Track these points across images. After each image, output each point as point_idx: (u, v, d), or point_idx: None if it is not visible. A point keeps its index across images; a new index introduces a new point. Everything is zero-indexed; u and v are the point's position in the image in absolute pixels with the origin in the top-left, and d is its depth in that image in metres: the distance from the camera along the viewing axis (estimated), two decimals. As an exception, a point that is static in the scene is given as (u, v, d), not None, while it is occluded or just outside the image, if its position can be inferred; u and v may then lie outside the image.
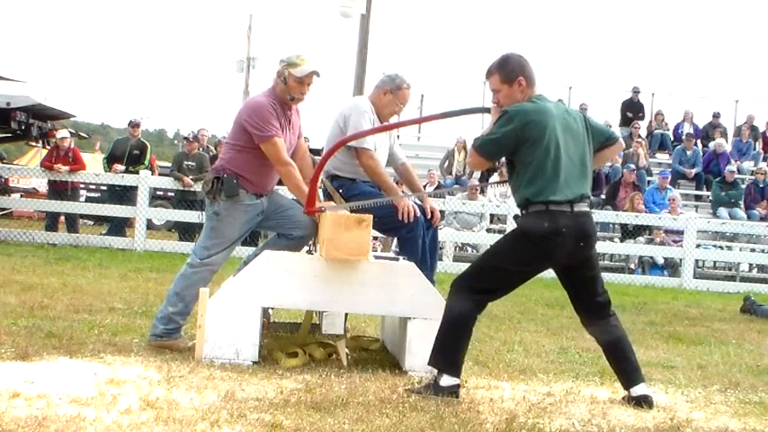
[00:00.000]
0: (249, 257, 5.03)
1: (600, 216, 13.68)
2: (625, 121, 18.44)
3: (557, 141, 4.02)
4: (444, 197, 12.57)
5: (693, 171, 16.53)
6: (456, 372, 4.04)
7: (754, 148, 17.94)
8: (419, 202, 5.49)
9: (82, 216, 14.09)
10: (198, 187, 12.20)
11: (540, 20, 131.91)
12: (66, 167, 12.39)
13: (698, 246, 13.10)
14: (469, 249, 14.34)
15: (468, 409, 3.80)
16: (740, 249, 14.47)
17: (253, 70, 33.71)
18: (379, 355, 5.05)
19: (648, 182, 15.60)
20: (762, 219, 14.46)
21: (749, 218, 14.46)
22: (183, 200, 12.88)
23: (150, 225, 13.56)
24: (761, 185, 15.00)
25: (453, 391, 3.99)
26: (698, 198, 16.57)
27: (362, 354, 5.03)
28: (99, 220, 15.90)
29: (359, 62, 17.04)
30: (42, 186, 16.53)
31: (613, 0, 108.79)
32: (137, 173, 12.74)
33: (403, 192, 5.80)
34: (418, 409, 3.72)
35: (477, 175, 15.28)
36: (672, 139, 18.31)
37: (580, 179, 4.09)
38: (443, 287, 6.05)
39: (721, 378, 5.08)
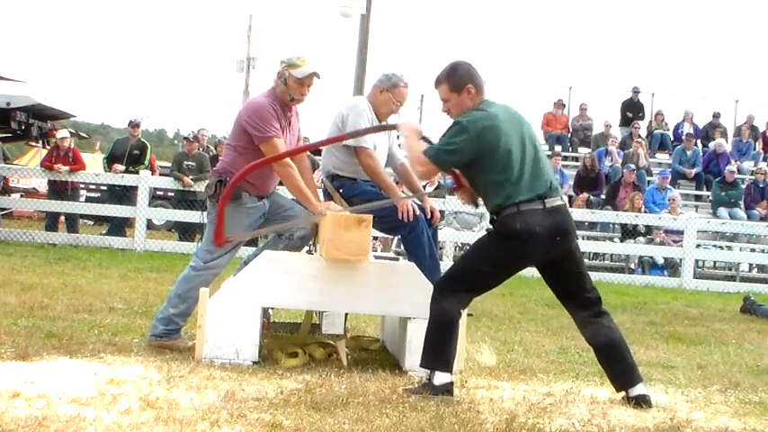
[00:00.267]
0: (249, 258, 5.03)
1: (600, 216, 13.70)
2: (625, 121, 18.43)
3: (512, 142, 4.05)
4: (444, 197, 12.56)
5: (693, 171, 16.53)
6: (447, 368, 4.05)
7: (754, 148, 17.93)
8: (419, 202, 5.50)
9: (82, 216, 14.09)
10: (198, 187, 12.20)
11: (541, 20, 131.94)
12: (67, 167, 12.39)
13: (698, 246, 13.09)
14: (469, 249, 14.33)
15: (468, 409, 3.80)
16: (740, 249, 14.46)
17: (253, 70, 33.71)
18: (379, 355, 5.05)
19: (648, 182, 15.59)
20: (762, 219, 14.45)
21: (749, 218, 14.46)
22: (183, 200, 12.88)
23: (150, 225, 13.56)
24: (761, 185, 14.99)
25: (447, 389, 4.01)
26: (698, 198, 16.56)
27: (362, 354, 5.03)
28: (99, 220, 15.89)
29: (359, 62, 17.03)
30: (42, 186, 16.52)
31: (613, 0, 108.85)
32: (137, 173, 12.74)
33: (403, 191, 5.80)
34: (418, 409, 3.72)
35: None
36: (672, 139, 18.29)
37: (542, 170, 4.11)
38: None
39: (721, 378, 5.08)
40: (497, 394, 4.24)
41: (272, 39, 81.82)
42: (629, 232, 13.47)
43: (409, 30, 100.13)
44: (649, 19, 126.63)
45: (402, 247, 6.23)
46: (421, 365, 4.14)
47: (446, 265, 11.71)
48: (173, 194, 14.03)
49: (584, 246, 13.86)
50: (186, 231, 13.29)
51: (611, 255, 14.25)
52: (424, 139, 4.33)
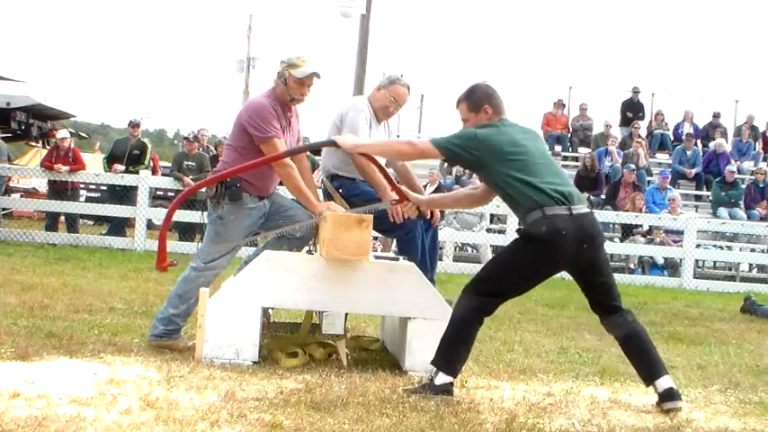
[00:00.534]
0: (249, 258, 5.03)
1: (600, 216, 13.68)
2: (625, 121, 18.44)
3: (531, 148, 4.16)
4: (444, 214, 12.50)
5: (693, 171, 16.53)
6: (451, 371, 4.07)
7: (754, 148, 17.93)
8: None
9: (82, 216, 14.08)
10: (198, 187, 12.18)
11: (541, 20, 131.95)
12: (67, 167, 12.39)
13: (698, 246, 13.09)
14: (469, 249, 14.34)
15: (468, 409, 3.81)
16: (740, 249, 14.46)
17: (253, 70, 33.69)
18: (379, 355, 5.05)
19: (648, 182, 15.60)
20: (762, 219, 14.45)
21: (749, 218, 14.46)
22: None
23: (150, 225, 13.55)
24: (761, 185, 14.99)
25: (447, 390, 4.01)
26: (698, 198, 16.56)
27: (362, 354, 5.03)
28: (99, 220, 15.89)
29: (359, 62, 17.02)
30: (42, 186, 16.51)
31: (613, 0, 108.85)
32: (137, 173, 12.74)
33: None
34: (418, 409, 3.72)
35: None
36: (672, 139, 18.29)
37: (566, 180, 4.23)
38: (443, 287, 6.07)
39: (721, 378, 5.08)
40: (497, 394, 4.24)
41: (272, 39, 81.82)
42: (629, 232, 13.46)
43: (409, 30, 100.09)
44: (649, 19, 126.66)
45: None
46: (431, 362, 4.14)
47: (446, 265, 11.77)
48: (173, 194, 14.03)
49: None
50: (186, 231, 13.27)
51: (612, 255, 14.22)
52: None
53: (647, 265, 13.32)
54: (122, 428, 3.17)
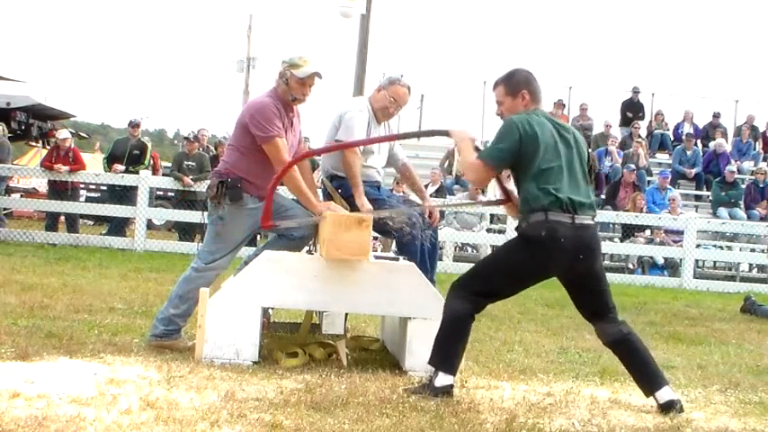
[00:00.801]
0: (249, 257, 5.03)
1: (600, 216, 13.67)
2: (625, 121, 18.43)
3: (555, 149, 4.08)
4: (444, 214, 12.46)
5: (693, 171, 16.53)
6: (451, 370, 4.06)
7: (754, 148, 17.93)
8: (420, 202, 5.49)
9: (82, 216, 14.08)
10: (198, 187, 12.20)
11: (541, 20, 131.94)
12: (67, 167, 12.38)
13: (698, 246, 13.09)
14: (469, 249, 14.34)
15: (468, 409, 3.80)
16: (740, 249, 14.46)
17: (253, 70, 33.72)
18: (379, 355, 5.05)
19: (648, 182, 15.59)
20: (762, 219, 14.45)
21: (749, 218, 14.46)
22: (183, 200, 12.88)
23: (150, 225, 13.56)
24: (761, 185, 14.99)
25: (447, 391, 4.01)
26: (698, 198, 16.56)
27: (362, 354, 5.03)
28: (99, 220, 15.89)
29: (359, 62, 17.03)
30: (42, 186, 16.51)
31: (613, 0, 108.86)
32: (137, 173, 12.74)
33: (403, 192, 5.79)
34: (418, 409, 3.72)
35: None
36: (672, 139, 18.29)
37: (580, 188, 4.15)
38: (443, 287, 6.05)
39: (721, 378, 5.08)
40: (497, 394, 4.24)
41: (272, 39, 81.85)
42: (630, 232, 13.45)
43: (409, 30, 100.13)
44: (649, 19, 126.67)
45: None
46: (428, 363, 4.14)
47: (446, 265, 11.76)
48: (173, 194, 14.03)
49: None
50: (186, 231, 13.28)
51: (612, 255, 14.24)
52: (476, 148, 4.34)
53: (647, 265, 13.32)
54: (122, 428, 3.17)
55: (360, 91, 16.19)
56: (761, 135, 18.30)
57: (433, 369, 4.09)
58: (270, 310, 5.27)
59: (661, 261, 13.28)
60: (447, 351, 4.08)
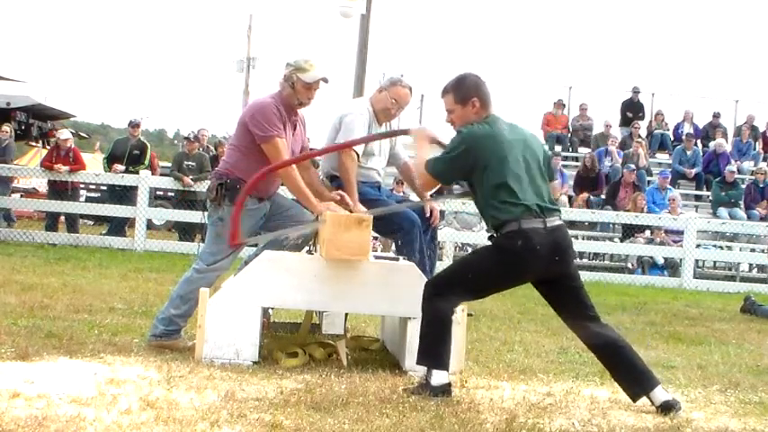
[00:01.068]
0: (249, 258, 5.03)
1: (600, 216, 13.70)
2: (625, 121, 18.44)
3: (514, 157, 4.04)
4: (444, 214, 12.47)
5: (693, 171, 16.53)
6: (443, 365, 4.04)
7: (754, 148, 17.94)
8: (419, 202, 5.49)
9: (82, 216, 14.09)
10: (198, 187, 12.20)
11: (541, 19, 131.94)
12: (67, 167, 12.39)
13: (698, 246, 13.09)
14: (469, 249, 14.33)
15: (468, 409, 3.80)
16: (740, 249, 14.47)
17: (253, 70, 33.69)
18: (379, 355, 5.05)
19: (648, 182, 15.60)
20: (762, 219, 14.46)
21: (749, 218, 14.46)
22: (183, 200, 12.88)
23: (150, 225, 13.56)
24: (761, 185, 15.00)
25: (445, 390, 4.00)
26: (698, 198, 16.56)
27: (362, 354, 5.03)
28: (99, 220, 15.90)
29: (359, 62, 17.02)
30: (42, 186, 16.52)
31: (613, 0, 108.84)
32: (137, 173, 12.75)
33: (403, 192, 5.79)
34: (418, 409, 3.72)
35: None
36: (672, 139, 18.30)
37: (543, 191, 4.11)
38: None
39: (721, 378, 5.08)
40: (497, 394, 4.24)
41: (272, 39, 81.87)
42: (630, 233, 13.46)
43: (409, 30, 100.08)
44: (649, 19, 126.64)
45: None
46: (417, 363, 4.14)
47: (446, 265, 11.74)
48: (173, 194, 14.03)
49: (584, 246, 13.89)
50: (186, 231, 13.29)
51: (611, 255, 14.25)
52: (439, 143, 4.32)
53: (647, 265, 13.32)
54: (122, 428, 3.17)
55: (360, 91, 16.17)
56: (761, 135, 18.30)
57: (426, 369, 4.08)
58: (270, 310, 5.27)
59: (661, 261, 13.29)
60: (436, 349, 4.06)
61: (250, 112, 4.85)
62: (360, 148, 5.18)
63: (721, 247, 14.41)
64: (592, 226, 14.45)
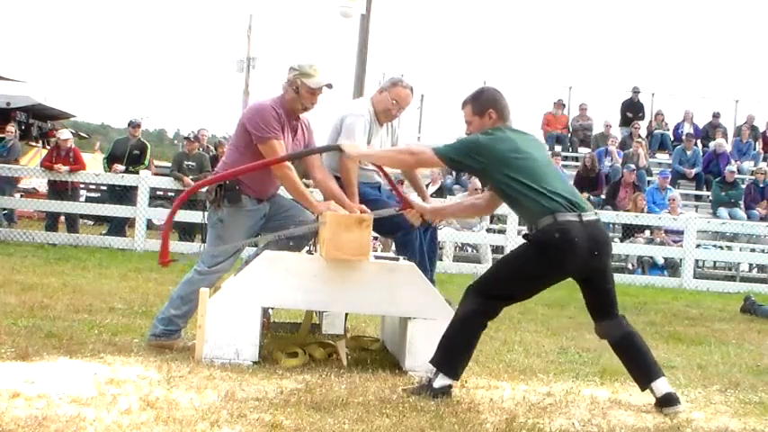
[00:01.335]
0: (250, 258, 5.03)
1: (600, 216, 13.64)
2: (625, 121, 18.43)
3: (535, 155, 4.14)
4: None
5: (693, 171, 16.53)
6: (452, 374, 4.04)
7: (754, 148, 17.93)
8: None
9: (82, 216, 14.08)
10: (198, 187, 12.18)
11: (541, 19, 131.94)
12: (67, 167, 12.38)
13: (698, 246, 13.08)
14: (469, 249, 14.34)
15: (468, 409, 3.81)
16: (740, 249, 14.46)
17: (253, 70, 33.67)
18: (379, 355, 5.05)
19: (648, 182, 15.60)
20: (762, 219, 14.45)
21: (749, 218, 14.46)
22: (184, 200, 12.84)
23: (150, 225, 13.54)
24: (761, 185, 14.99)
25: (445, 392, 3.99)
26: (698, 198, 16.56)
27: (362, 354, 5.03)
28: (99, 220, 15.89)
29: (359, 62, 17.02)
30: (42, 186, 16.51)
31: (613, 0, 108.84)
32: (137, 173, 12.74)
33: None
34: (418, 409, 3.72)
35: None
36: (672, 139, 18.29)
37: (574, 189, 4.23)
38: (443, 287, 6.07)
39: (721, 378, 5.08)
40: (497, 394, 4.24)
41: (272, 39, 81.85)
42: (631, 232, 13.45)
43: (409, 30, 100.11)
44: (649, 19, 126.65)
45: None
46: (430, 362, 4.12)
47: (446, 265, 11.76)
48: (173, 194, 14.03)
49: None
50: (186, 231, 13.27)
51: (612, 255, 14.21)
52: (365, 156, 4.51)
53: (647, 265, 13.32)
54: (122, 428, 3.17)
55: (360, 91, 16.18)
56: (761, 135, 18.29)
57: (434, 370, 4.07)
58: (270, 310, 5.27)
59: (661, 261, 13.28)
60: (452, 353, 4.06)
61: (249, 113, 4.86)
62: (348, 140, 5.16)
63: (721, 247, 14.41)
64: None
